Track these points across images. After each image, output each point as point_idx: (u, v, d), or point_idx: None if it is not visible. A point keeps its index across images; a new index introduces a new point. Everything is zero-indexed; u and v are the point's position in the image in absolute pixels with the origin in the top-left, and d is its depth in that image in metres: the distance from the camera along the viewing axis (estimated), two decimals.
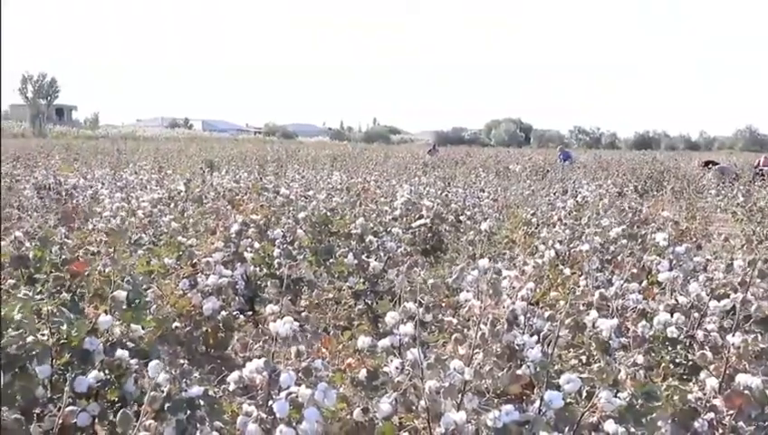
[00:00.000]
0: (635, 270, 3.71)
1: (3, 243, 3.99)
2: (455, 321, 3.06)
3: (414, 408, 2.35)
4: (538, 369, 2.32)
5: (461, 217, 8.09)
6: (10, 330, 2.75)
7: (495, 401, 2.28)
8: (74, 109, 67.64)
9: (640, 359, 2.46)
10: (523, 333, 2.65)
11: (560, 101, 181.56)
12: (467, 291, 2.99)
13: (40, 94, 61.11)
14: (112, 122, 68.49)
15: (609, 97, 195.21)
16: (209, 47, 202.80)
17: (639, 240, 5.06)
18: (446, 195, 9.52)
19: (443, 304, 3.42)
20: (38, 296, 3.00)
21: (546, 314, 2.77)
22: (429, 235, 7.25)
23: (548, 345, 2.51)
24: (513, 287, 3.12)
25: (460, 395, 2.25)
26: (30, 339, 2.70)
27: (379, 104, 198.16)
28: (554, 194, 11.01)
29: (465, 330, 2.63)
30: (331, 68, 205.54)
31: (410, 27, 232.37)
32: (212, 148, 30.46)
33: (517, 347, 2.48)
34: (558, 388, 2.27)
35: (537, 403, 2.26)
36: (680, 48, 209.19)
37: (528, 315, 2.87)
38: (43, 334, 2.71)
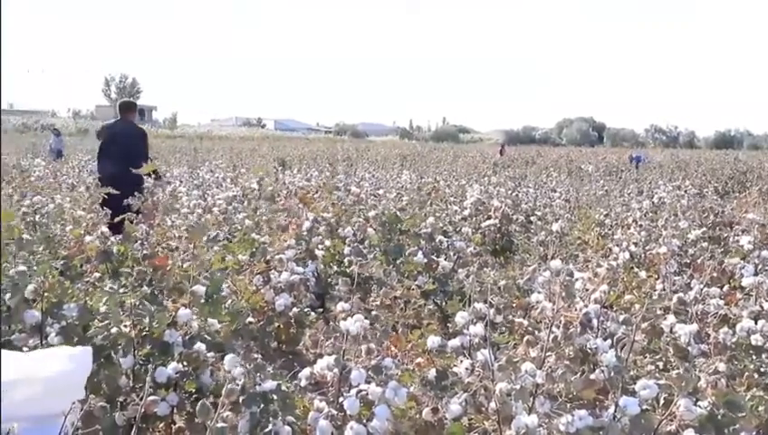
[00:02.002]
0: (716, 274, 3.56)
1: (89, 238, 4.20)
2: (525, 322, 3.02)
3: (484, 409, 2.33)
4: (612, 374, 2.26)
5: (531, 218, 7.97)
6: (96, 321, 2.90)
7: (568, 405, 2.23)
8: (154, 109, 70.21)
9: (722, 367, 2.37)
10: (597, 336, 2.59)
11: (635, 98, 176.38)
12: (539, 292, 2.94)
13: (122, 95, 63.64)
14: (189, 122, 70.83)
15: (688, 94, 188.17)
16: (282, 48, 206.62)
17: (721, 243, 4.86)
18: (517, 195, 9.40)
19: (513, 306, 3.38)
20: (122, 290, 3.14)
21: (621, 318, 2.69)
22: (499, 235, 7.17)
23: (622, 350, 2.45)
24: (586, 290, 3.06)
25: (532, 398, 2.22)
26: (114, 330, 2.83)
27: (449, 103, 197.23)
28: (629, 194, 10.71)
29: (537, 332, 2.60)
30: (401, 66, 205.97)
31: (481, 23, 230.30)
32: (284, 147, 31.04)
33: (590, 351, 2.43)
34: (633, 394, 2.21)
35: (612, 409, 2.20)
36: (764, 42, 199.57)
37: (601, 319, 2.81)
38: (126, 326, 2.84)
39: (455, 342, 2.71)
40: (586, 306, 2.64)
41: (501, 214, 7.18)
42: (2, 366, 2.16)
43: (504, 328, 3.31)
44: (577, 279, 2.99)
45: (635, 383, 2.27)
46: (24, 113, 56.43)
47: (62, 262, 3.72)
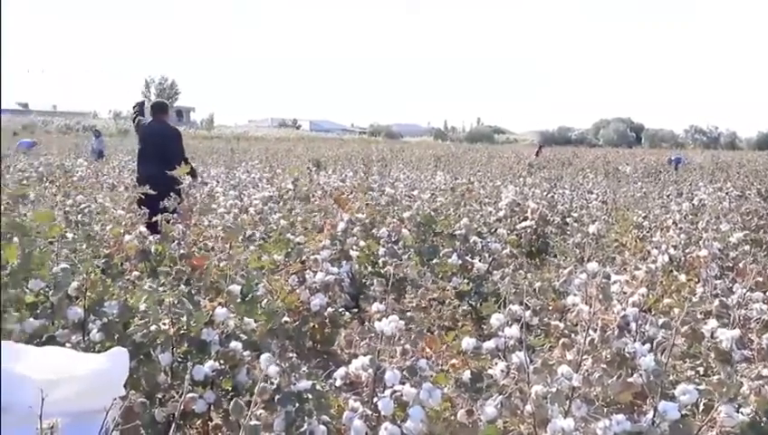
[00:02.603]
0: (760, 278, 3.48)
1: (128, 237, 4.28)
2: (561, 325, 3.00)
3: (519, 412, 2.31)
4: (651, 378, 2.22)
5: (567, 220, 7.88)
6: (136, 319, 2.95)
7: (605, 409, 2.21)
8: (192, 110, 71.22)
9: (766, 372, 2.31)
10: (635, 340, 2.55)
11: (674, 98, 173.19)
12: (575, 295, 2.90)
13: (162, 96, 64.72)
14: (226, 123, 71.65)
15: (729, 94, 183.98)
16: (318, 49, 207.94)
17: (764, 246, 4.74)
18: (553, 196, 9.30)
19: (549, 308, 3.35)
20: (160, 288, 3.20)
21: (660, 322, 2.65)
22: (534, 237, 7.11)
23: (662, 354, 2.41)
24: (624, 292, 3.02)
25: (568, 402, 2.19)
26: (153, 328, 2.88)
27: (484, 104, 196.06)
28: (668, 196, 10.53)
29: (573, 335, 2.57)
30: (436, 67, 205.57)
31: (518, 23, 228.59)
32: (318, 147, 31.22)
33: (628, 355, 2.40)
34: (673, 399, 2.17)
35: (650, 414, 2.17)
36: None
37: (640, 322, 2.76)
38: (164, 324, 2.88)
39: (490, 343, 2.70)
40: (624, 309, 2.60)
41: (537, 215, 7.11)
42: (45, 363, 2.22)
43: (539, 330, 3.29)
44: (614, 282, 2.95)
45: (674, 388, 2.23)
46: (67, 114, 57.76)
47: (103, 260, 3.80)
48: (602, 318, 2.39)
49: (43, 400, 1.72)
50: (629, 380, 2.23)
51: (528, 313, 2.84)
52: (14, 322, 2.87)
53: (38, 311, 3.04)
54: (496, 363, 2.52)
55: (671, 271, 4.96)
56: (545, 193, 9.44)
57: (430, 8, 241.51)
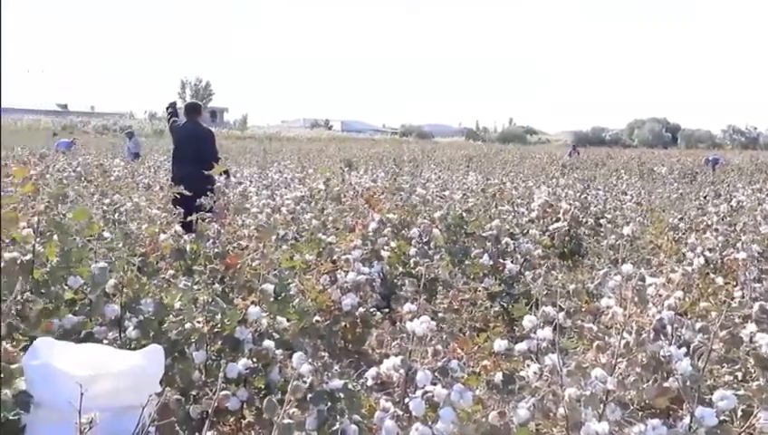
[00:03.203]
0: None
1: (163, 236, 4.34)
2: (595, 328, 2.96)
3: (552, 415, 2.29)
4: (687, 383, 2.18)
5: (601, 221, 7.79)
6: (171, 316, 3.00)
7: (640, 413, 2.18)
8: (226, 111, 72.00)
9: None
10: (671, 344, 2.51)
11: (711, 98, 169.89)
12: (609, 297, 2.87)
13: (196, 97, 65.56)
14: (259, 123, 72.28)
15: None
16: (349, 49, 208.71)
17: None
18: (586, 197, 9.20)
19: (583, 310, 3.31)
20: (195, 287, 3.24)
21: (698, 326, 2.60)
22: (567, 238, 7.04)
23: (698, 358, 2.36)
24: (660, 295, 2.97)
25: (602, 405, 2.17)
26: (188, 326, 2.92)
27: (516, 104, 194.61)
28: (705, 198, 10.34)
29: (607, 338, 2.54)
30: (467, 66, 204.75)
31: (550, 23, 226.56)
32: (350, 148, 31.31)
33: (664, 359, 2.36)
34: (710, 404, 2.13)
35: (687, 420, 2.13)
36: None
37: (676, 326, 2.72)
38: (198, 322, 2.92)
39: (522, 345, 2.68)
40: (659, 312, 2.56)
41: (569, 216, 7.04)
42: (83, 359, 2.27)
43: (572, 333, 3.25)
44: (649, 284, 2.90)
45: (711, 394, 2.19)
46: (104, 115, 58.83)
47: (139, 259, 3.86)
48: (637, 321, 2.36)
49: (81, 395, 1.76)
50: (665, 384, 2.20)
51: (561, 314, 2.80)
52: (54, 317, 2.94)
53: (77, 308, 3.11)
54: (528, 365, 2.50)
55: (707, 274, 4.87)
56: (578, 194, 9.34)
57: (464, 8, 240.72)
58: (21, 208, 3.55)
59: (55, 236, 3.30)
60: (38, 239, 3.26)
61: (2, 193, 3.45)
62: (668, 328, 2.53)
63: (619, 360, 2.27)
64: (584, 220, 7.45)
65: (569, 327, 3.20)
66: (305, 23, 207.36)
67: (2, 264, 3.10)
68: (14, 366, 2.22)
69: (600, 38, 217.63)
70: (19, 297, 2.79)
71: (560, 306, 2.78)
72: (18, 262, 3.13)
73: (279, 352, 2.97)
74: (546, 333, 2.64)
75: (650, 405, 2.21)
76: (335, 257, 4.39)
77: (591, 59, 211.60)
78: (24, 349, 2.37)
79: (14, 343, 2.38)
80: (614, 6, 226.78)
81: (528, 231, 6.18)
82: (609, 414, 2.16)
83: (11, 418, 2.20)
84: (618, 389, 2.14)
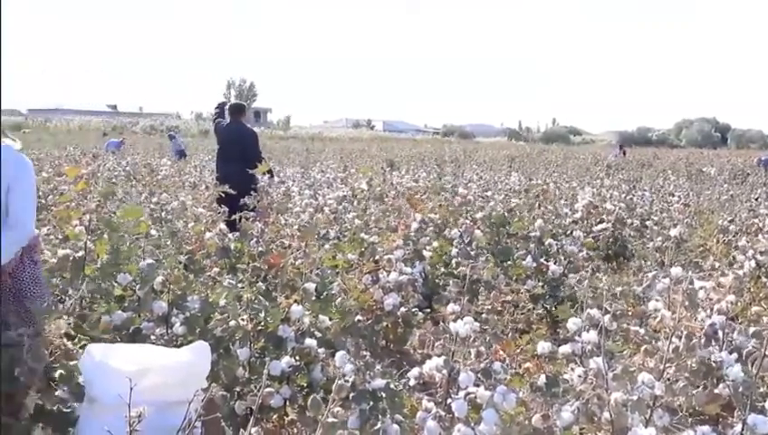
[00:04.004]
0: None
1: (208, 235, 4.42)
2: (642, 331, 2.90)
3: (597, 419, 2.26)
4: (739, 389, 2.12)
5: (647, 223, 7.63)
6: (216, 314, 3.05)
7: (689, 420, 2.13)
8: (269, 111, 72.76)
9: None
10: (722, 349, 2.45)
11: (763, 97, 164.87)
12: (657, 300, 2.81)
13: (241, 98, 66.47)
14: (302, 123, 72.89)
15: None
16: (391, 49, 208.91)
17: None
18: (631, 198, 9.03)
19: (629, 313, 3.25)
20: (239, 285, 3.29)
21: (750, 331, 2.53)
22: (612, 240, 6.91)
23: (751, 364, 2.30)
24: (710, 299, 2.90)
25: (649, 411, 2.13)
26: (232, 323, 2.96)
27: (560, 104, 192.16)
28: (756, 199, 10.04)
29: (655, 342, 2.49)
30: (511, 66, 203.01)
31: (593, 21, 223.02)
32: (392, 148, 31.30)
33: (714, 364, 2.30)
34: (762, 412, 2.07)
35: (738, 427, 2.07)
36: None
37: (727, 331, 2.65)
38: (243, 320, 2.96)
39: (566, 348, 2.64)
40: (709, 317, 2.50)
41: (616, 217, 6.92)
42: (133, 356, 2.32)
43: (618, 336, 3.20)
44: (699, 288, 2.83)
45: (764, 401, 2.13)
46: (152, 116, 60.03)
47: (185, 256, 3.93)
48: (687, 325, 2.31)
49: (131, 389, 1.81)
50: (716, 391, 2.14)
51: (607, 317, 2.76)
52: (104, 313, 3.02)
53: (125, 304, 3.19)
54: (572, 368, 2.47)
55: (759, 277, 4.73)
56: (624, 195, 9.17)
57: (510, 7, 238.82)
58: (73, 206, 3.66)
59: (105, 234, 3.39)
60: (89, 237, 3.35)
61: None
62: (719, 333, 2.47)
63: (668, 365, 2.22)
64: (630, 222, 7.32)
65: (614, 330, 3.15)
66: (350, 24, 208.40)
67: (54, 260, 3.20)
68: (72, 363, 2.29)
69: (648, 37, 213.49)
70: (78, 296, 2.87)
71: (605, 309, 2.73)
72: (71, 259, 3.23)
73: (321, 350, 2.99)
74: (591, 335, 2.60)
75: (700, 412, 2.16)
76: (377, 257, 4.40)
77: (638, 58, 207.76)
78: (83, 348, 2.44)
79: (74, 342, 2.46)
80: (658, 4, 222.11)
81: (572, 232, 6.09)
82: (657, 420, 2.11)
83: (65, 410, 2.28)
84: (666, 394, 2.10)
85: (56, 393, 2.26)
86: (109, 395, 2.06)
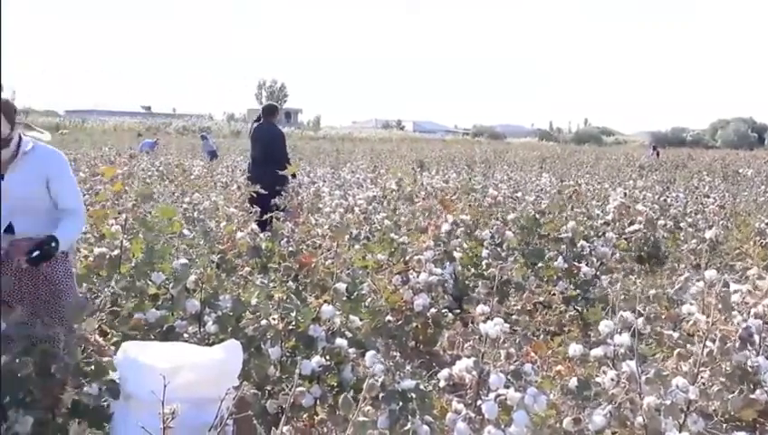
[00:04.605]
0: None
1: (240, 234, 4.47)
2: (675, 335, 2.86)
3: (629, 424, 2.23)
4: None
5: (681, 224, 7.51)
6: (248, 313, 3.08)
7: (724, 425, 2.09)
8: (300, 112, 73.24)
9: None
10: (758, 353, 2.41)
11: None
12: (691, 304, 2.77)
13: (272, 99, 67.05)
14: (332, 124, 73.22)
15: None
16: (422, 50, 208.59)
17: None
18: (665, 200, 8.89)
19: (662, 316, 3.21)
20: (270, 284, 3.32)
21: None
22: (645, 241, 6.82)
23: None
24: (746, 303, 2.85)
25: (683, 415, 2.10)
26: (264, 322, 2.99)
27: (592, 104, 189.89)
28: None
29: (689, 346, 2.45)
30: (541, 66, 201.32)
31: (625, 21, 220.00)
32: (422, 148, 31.27)
33: (750, 369, 2.27)
34: None
35: None
36: None
37: (763, 335, 2.60)
38: (274, 319, 2.99)
39: (598, 351, 2.62)
40: (745, 320, 2.45)
41: (646, 219, 6.82)
42: (167, 354, 2.36)
43: (651, 339, 3.16)
44: (734, 291, 2.78)
45: None
46: (185, 117, 60.83)
47: (217, 256, 3.98)
48: (722, 329, 2.27)
49: (165, 386, 1.84)
50: (752, 396, 2.10)
51: (640, 320, 2.72)
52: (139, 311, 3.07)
53: (159, 302, 3.24)
54: (605, 371, 2.44)
55: None
56: (657, 196, 9.04)
57: (539, 7, 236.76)
58: (109, 206, 3.73)
59: (140, 234, 3.45)
60: (125, 236, 3.42)
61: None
62: (755, 337, 2.42)
63: (702, 369, 2.19)
64: (663, 223, 7.21)
65: (647, 333, 3.11)
66: (378, 24, 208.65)
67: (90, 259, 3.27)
68: (105, 359, 2.34)
69: (683, 35, 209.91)
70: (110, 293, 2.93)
71: (638, 312, 2.70)
72: (107, 257, 3.29)
73: (351, 350, 3.00)
74: (624, 338, 2.57)
75: (735, 417, 2.12)
76: (407, 258, 4.40)
77: (673, 57, 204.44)
78: (115, 344, 2.49)
79: (106, 338, 2.51)
80: (694, 2, 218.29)
81: (604, 234, 6.02)
82: (691, 425, 2.08)
83: (100, 406, 2.33)
84: (700, 399, 2.07)
85: (89, 389, 2.31)
86: (143, 392, 2.10)
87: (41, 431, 2.29)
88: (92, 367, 2.33)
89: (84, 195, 7.41)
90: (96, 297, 3.17)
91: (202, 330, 3.12)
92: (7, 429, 2.20)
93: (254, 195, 5.55)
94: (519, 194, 8.50)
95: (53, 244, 2.55)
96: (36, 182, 2.64)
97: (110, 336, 2.67)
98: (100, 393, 2.32)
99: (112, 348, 2.44)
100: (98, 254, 3.35)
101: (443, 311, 4.16)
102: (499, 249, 5.13)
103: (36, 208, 2.66)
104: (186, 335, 3.11)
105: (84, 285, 3.30)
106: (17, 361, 2.29)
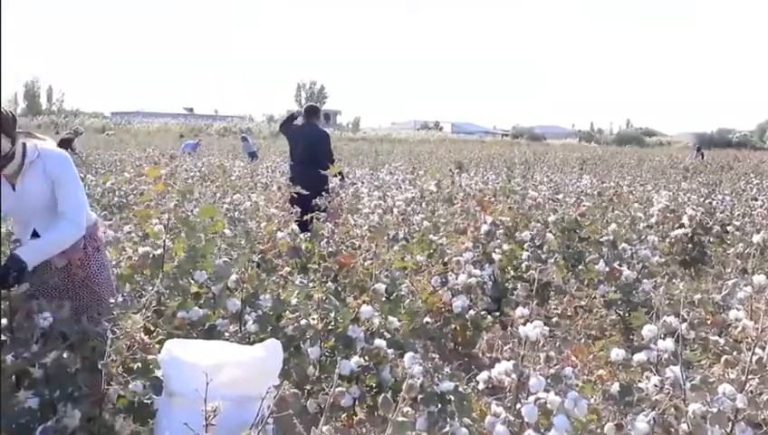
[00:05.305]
0: None
1: (280, 235, 4.51)
2: (722, 341, 2.80)
3: (673, 431, 2.19)
4: None
5: (728, 228, 7.33)
6: (287, 312, 3.11)
7: None
8: (339, 113, 73.72)
9: None
10: None
11: None
12: (738, 309, 2.70)
13: (311, 100, 67.61)
14: (371, 125, 73.50)
15: None
16: (461, 50, 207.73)
17: None
18: (711, 202, 8.69)
19: (708, 322, 3.14)
20: (310, 284, 3.35)
21: None
22: (690, 245, 6.67)
23: None
24: None
25: (730, 424, 2.05)
26: (303, 322, 3.02)
27: (634, 105, 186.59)
28: None
29: (737, 352, 2.39)
30: (580, 67, 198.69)
31: (667, 18, 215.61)
32: (460, 150, 31.16)
33: None
34: None
35: None
36: None
37: None
38: (313, 319, 3.01)
39: (641, 356, 2.57)
40: None
41: (692, 222, 6.68)
42: (209, 352, 2.40)
43: (696, 345, 3.09)
44: None
45: None
46: (226, 118, 61.77)
47: (258, 256, 4.03)
48: None
49: (207, 384, 1.87)
50: None
51: (684, 325, 2.66)
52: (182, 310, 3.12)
53: (201, 301, 3.29)
54: (648, 377, 2.40)
55: None
56: (702, 199, 8.84)
57: (581, 7, 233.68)
58: (153, 206, 3.80)
59: (183, 233, 3.51)
60: (168, 235, 3.48)
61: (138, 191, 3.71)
62: None
63: (751, 376, 2.13)
64: (709, 227, 7.05)
65: (692, 339, 3.05)
66: (418, 25, 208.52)
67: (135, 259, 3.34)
68: (150, 357, 2.39)
69: (730, 34, 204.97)
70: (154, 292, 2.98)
71: (683, 316, 2.65)
72: (150, 256, 3.35)
73: (390, 351, 3.00)
74: (667, 344, 2.52)
75: None
76: (446, 259, 4.39)
77: (718, 55, 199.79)
78: (159, 342, 2.54)
79: (151, 336, 2.56)
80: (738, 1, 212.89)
81: (646, 237, 5.91)
82: (739, 434, 2.03)
83: (145, 402, 2.37)
84: (749, 407, 2.01)
85: (133, 386, 2.36)
86: (186, 389, 2.14)
87: (88, 426, 2.35)
88: (138, 364, 2.38)
89: (129, 195, 7.60)
90: (140, 296, 3.23)
91: (243, 329, 3.16)
92: (57, 422, 2.26)
93: (296, 195, 5.60)
94: (559, 196, 8.41)
95: (12, 271, 2.45)
96: (46, 187, 2.64)
97: (154, 334, 2.72)
98: (144, 390, 2.37)
99: (157, 346, 2.48)
100: (142, 253, 3.42)
101: (482, 313, 4.14)
102: (539, 251, 5.08)
103: (52, 210, 2.67)
104: (227, 334, 3.15)
105: (128, 284, 3.38)
106: (65, 356, 2.36)
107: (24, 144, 2.63)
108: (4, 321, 2.43)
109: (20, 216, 2.71)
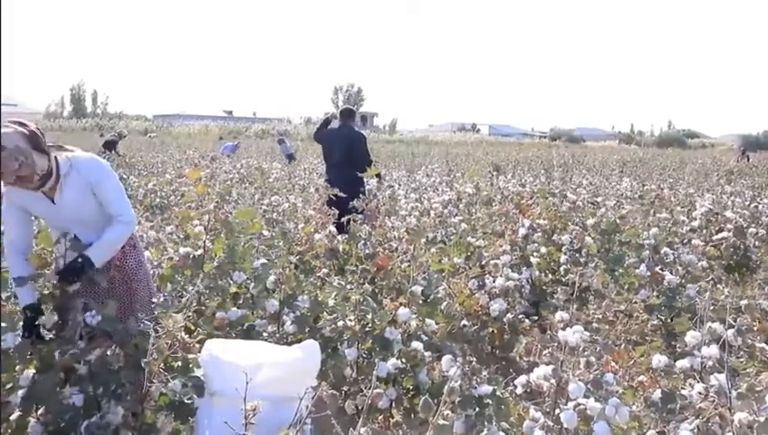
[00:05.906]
0: None
1: (318, 236, 4.54)
2: None
3: None
4: None
5: None
6: (325, 314, 3.12)
7: None
8: (376, 115, 73.87)
9: None
10: None
11: None
12: None
13: (348, 102, 67.94)
14: (408, 127, 73.50)
15: None
16: (500, 53, 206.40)
17: None
18: (756, 206, 8.46)
19: (755, 329, 3.06)
20: (347, 286, 3.36)
21: None
22: (734, 249, 6.51)
23: None
24: None
25: None
26: (341, 323, 3.03)
27: (676, 106, 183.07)
28: None
29: None
30: (622, 67, 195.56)
31: (711, 19, 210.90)
32: (498, 152, 30.95)
33: None
34: None
35: None
36: None
37: None
38: (350, 320, 3.02)
39: (684, 362, 2.52)
40: None
41: (735, 226, 6.51)
42: (248, 352, 2.42)
43: (742, 352, 3.01)
44: None
45: None
46: (264, 120, 62.39)
47: (296, 257, 4.06)
48: None
49: (247, 383, 1.89)
50: None
51: (730, 332, 2.60)
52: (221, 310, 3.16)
53: (240, 301, 3.33)
54: (691, 384, 2.35)
55: None
56: (747, 203, 8.62)
57: (623, 9, 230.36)
58: (194, 207, 3.86)
59: (222, 234, 3.55)
60: (208, 236, 3.53)
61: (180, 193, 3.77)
62: None
63: None
64: (754, 231, 6.87)
65: (737, 346, 2.97)
66: (455, 27, 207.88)
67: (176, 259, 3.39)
68: (190, 356, 2.42)
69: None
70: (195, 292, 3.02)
71: (728, 323, 2.58)
72: (191, 257, 3.41)
73: (427, 354, 2.99)
74: (712, 350, 2.46)
75: None
76: (483, 262, 4.36)
77: (763, 55, 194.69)
78: (200, 342, 2.58)
79: (192, 336, 2.60)
80: None
81: (689, 241, 5.79)
82: None
83: (185, 401, 2.41)
84: None
85: (172, 384, 2.40)
86: (226, 388, 2.16)
87: (130, 422, 2.40)
88: (179, 362, 2.42)
89: (170, 196, 7.73)
90: (181, 296, 3.28)
91: (281, 329, 3.19)
92: (100, 418, 2.31)
93: (333, 197, 5.62)
94: (598, 199, 8.29)
95: (81, 263, 2.58)
96: (84, 196, 2.69)
97: (195, 334, 2.76)
98: (184, 388, 2.41)
99: (197, 345, 2.52)
100: (182, 254, 3.48)
101: (519, 316, 4.10)
102: (578, 255, 5.01)
103: (93, 218, 2.73)
104: (265, 334, 3.18)
105: (169, 284, 3.44)
106: (109, 353, 2.41)
107: (56, 158, 2.69)
108: (54, 318, 2.49)
109: (59, 224, 2.77)
